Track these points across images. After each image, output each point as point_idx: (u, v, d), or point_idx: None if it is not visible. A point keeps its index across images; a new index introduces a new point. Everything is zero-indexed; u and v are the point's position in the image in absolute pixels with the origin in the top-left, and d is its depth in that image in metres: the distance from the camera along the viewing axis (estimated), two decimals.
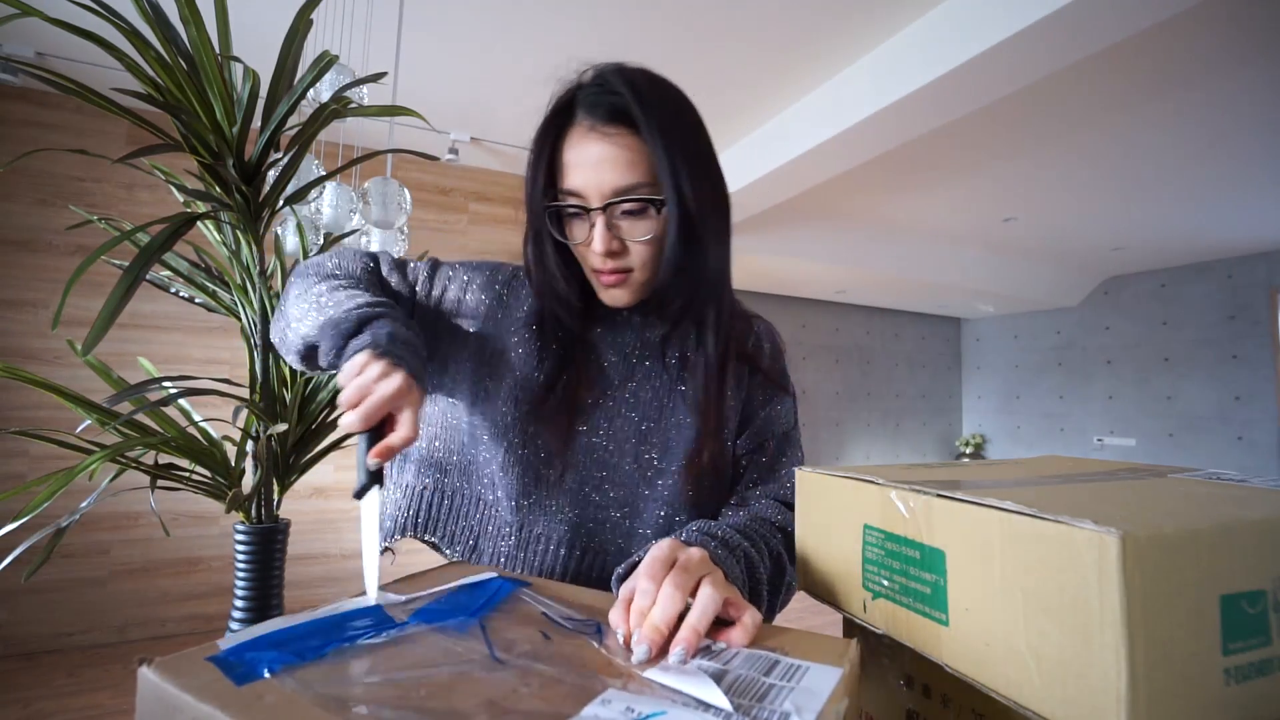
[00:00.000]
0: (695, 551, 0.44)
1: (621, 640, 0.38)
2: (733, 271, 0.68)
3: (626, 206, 0.59)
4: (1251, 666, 0.29)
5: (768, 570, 0.57)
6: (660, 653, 0.36)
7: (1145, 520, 0.29)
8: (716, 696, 0.30)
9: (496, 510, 0.67)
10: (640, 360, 0.69)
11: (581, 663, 0.34)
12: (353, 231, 1.74)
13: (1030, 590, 0.31)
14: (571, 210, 0.62)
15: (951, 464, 0.52)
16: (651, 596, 0.39)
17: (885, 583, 0.41)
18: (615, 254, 0.61)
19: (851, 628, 0.47)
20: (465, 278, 0.72)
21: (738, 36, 2.42)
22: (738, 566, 0.51)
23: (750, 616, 0.40)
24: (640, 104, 0.58)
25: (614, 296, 0.65)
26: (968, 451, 6.80)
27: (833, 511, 0.46)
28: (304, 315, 0.61)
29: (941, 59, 2.14)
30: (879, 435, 6.51)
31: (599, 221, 0.59)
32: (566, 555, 0.65)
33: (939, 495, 0.36)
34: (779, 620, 0.59)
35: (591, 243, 0.60)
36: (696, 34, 2.40)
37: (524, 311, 0.70)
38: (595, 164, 0.59)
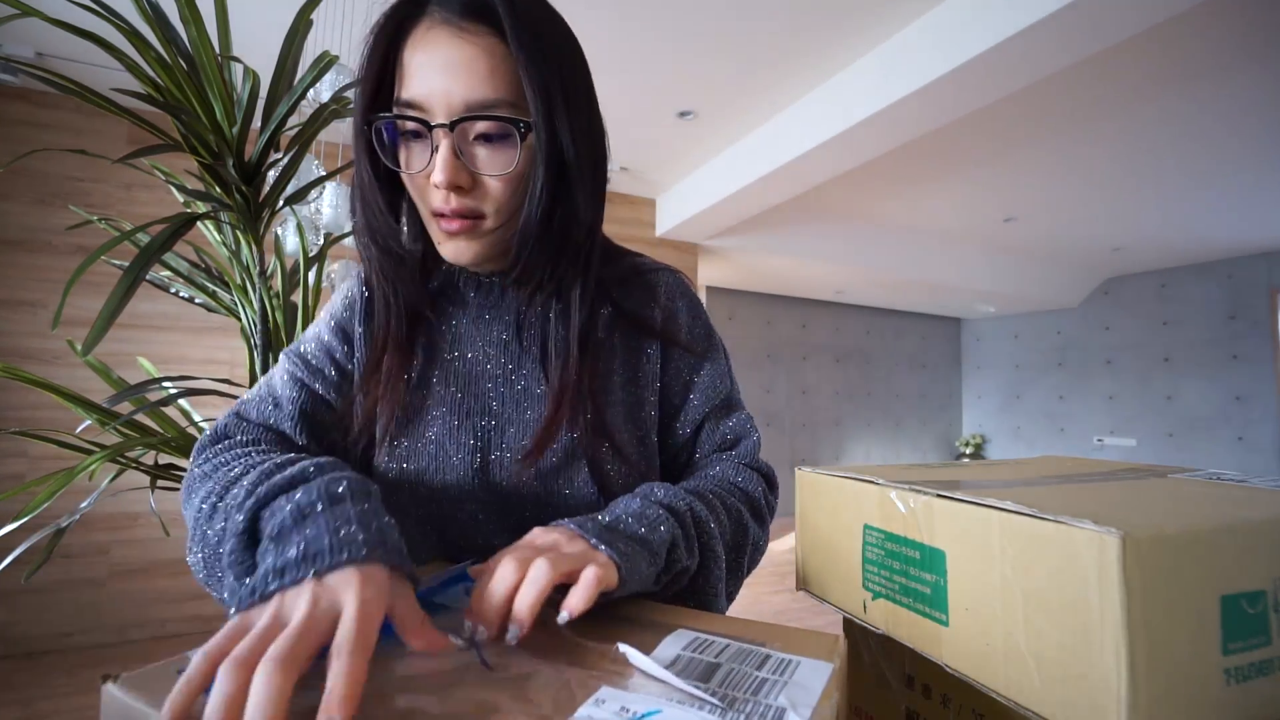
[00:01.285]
0: (539, 532, 0.41)
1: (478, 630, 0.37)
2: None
3: (482, 128, 0.46)
4: (1251, 667, 0.29)
5: (724, 530, 0.51)
6: (499, 632, 0.35)
7: (1145, 520, 0.29)
8: (697, 691, 0.29)
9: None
10: (511, 356, 0.56)
11: (575, 662, 0.34)
12: (352, 231, 1.74)
13: (1030, 590, 0.31)
14: (410, 129, 0.47)
15: (951, 464, 0.52)
16: (488, 580, 0.37)
17: (885, 583, 0.41)
18: (462, 190, 0.47)
19: (852, 628, 0.47)
20: (310, 345, 0.60)
21: (737, 37, 2.42)
22: (664, 527, 0.44)
23: (588, 572, 0.36)
24: (510, 3, 0.46)
25: (455, 250, 0.50)
26: (968, 451, 6.80)
27: (833, 511, 0.46)
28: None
29: (941, 60, 2.14)
30: (879, 435, 6.51)
31: (444, 144, 0.46)
32: None
33: (939, 495, 0.36)
34: (774, 620, 0.59)
35: (431, 172, 0.47)
36: (697, 35, 2.40)
37: (361, 328, 0.58)
38: (444, 68, 0.45)
